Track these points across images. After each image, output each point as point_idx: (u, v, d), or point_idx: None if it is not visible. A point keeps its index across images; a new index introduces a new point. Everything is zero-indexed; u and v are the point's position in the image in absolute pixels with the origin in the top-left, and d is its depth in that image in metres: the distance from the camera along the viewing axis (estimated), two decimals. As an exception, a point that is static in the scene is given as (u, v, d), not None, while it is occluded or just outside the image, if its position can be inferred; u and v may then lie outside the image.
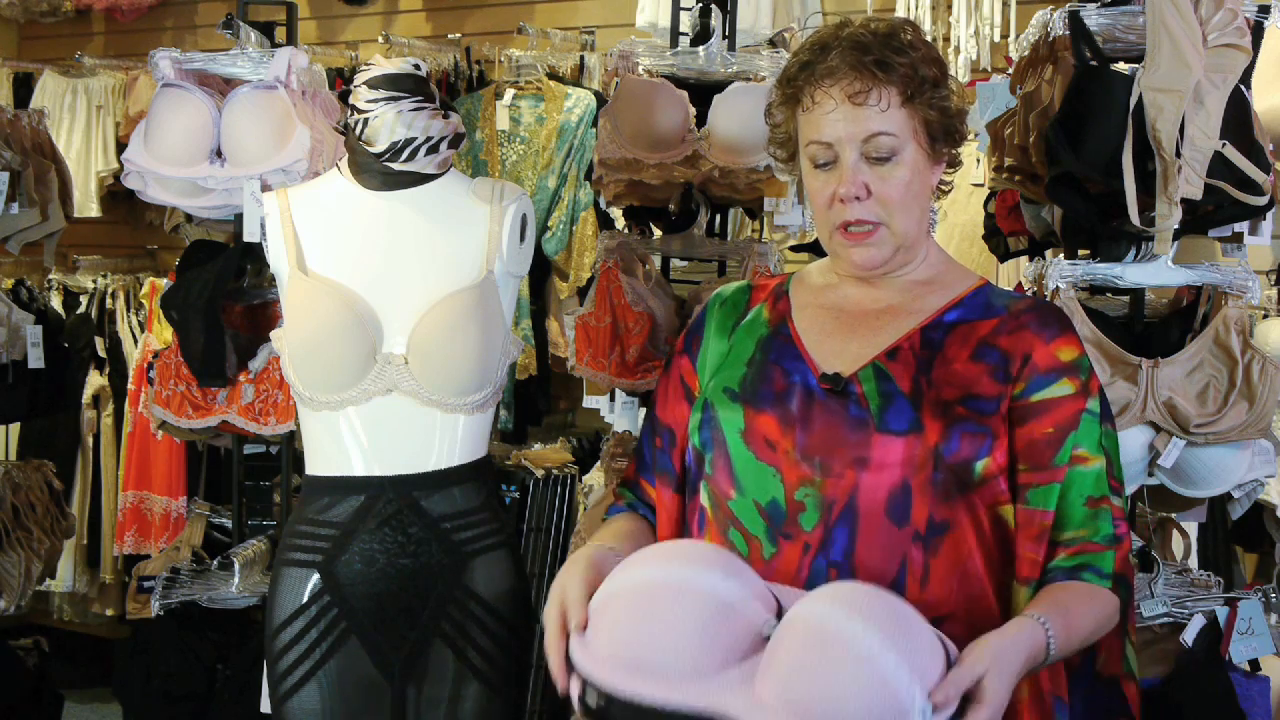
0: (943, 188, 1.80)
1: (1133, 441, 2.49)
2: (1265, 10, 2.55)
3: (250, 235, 2.98)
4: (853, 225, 1.70)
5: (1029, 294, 1.84)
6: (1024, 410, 1.68)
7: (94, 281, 5.27)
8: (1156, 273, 2.57)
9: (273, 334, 2.47)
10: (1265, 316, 3.11)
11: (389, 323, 2.37)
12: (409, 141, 2.36)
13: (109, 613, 5.25)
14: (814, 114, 1.70)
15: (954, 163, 1.79)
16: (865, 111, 1.67)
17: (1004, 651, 1.50)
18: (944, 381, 1.67)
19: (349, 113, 2.40)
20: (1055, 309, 1.77)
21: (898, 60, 1.68)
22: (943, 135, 1.73)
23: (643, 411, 2.97)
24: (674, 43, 3.17)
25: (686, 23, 3.19)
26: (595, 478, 3.72)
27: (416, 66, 2.42)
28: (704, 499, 1.76)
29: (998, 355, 1.69)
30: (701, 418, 1.76)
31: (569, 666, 1.57)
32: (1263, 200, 2.48)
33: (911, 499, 1.62)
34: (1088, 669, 1.72)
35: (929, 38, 4.01)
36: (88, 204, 5.35)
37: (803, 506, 1.65)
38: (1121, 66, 2.53)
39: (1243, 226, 2.71)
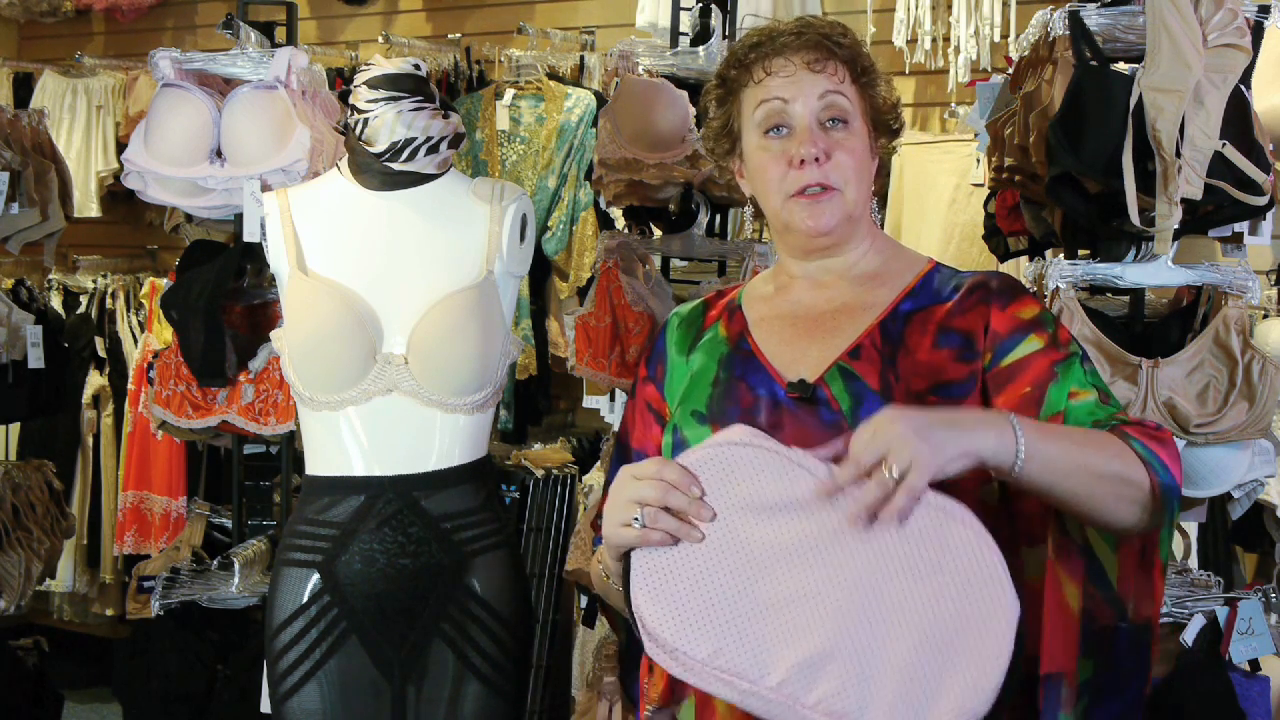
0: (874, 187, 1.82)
1: (1133, 441, 2.49)
2: (1265, 10, 2.55)
3: (250, 235, 2.98)
4: (809, 188, 1.68)
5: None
6: (998, 377, 1.64)
7: (94, 281, 5.27)
8: (1156, 273, 2.56)
9: (273, 334, 2.47)
10: (1265, 316, 3.11)
11: (389, 323, 2.37)
12: (409, 141, 2.36)
13: (109, 613, 5.25)
14: (767, 81, 1.70)
15: (881, 169, 1.81)
16: (822, 77, 1.69)
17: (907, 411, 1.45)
18: (911, 373, 1.65)
19: (349, 113, 2.40)
20: (1007, 278, 1.74)
21: (846, 43, 1.72)
22: (880, 124, 1.75)
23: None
24: (674, 43, 3.17)
25: (686, 23, 3.19)
26: (595, 478, 3.72)
27: (416, 66, 2.42)
28: None
29: (958, 338, 1.67)
30: (672, 442, 1.74)
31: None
32: (1263, 200, 2.48)
33: None
34: (1122, 619, 1.61)
35: (929, 37, 4.08)
36: (88, 204, 5.35)
37: None
38: (1121, 66, 2.53)
39: (1243, 226, 2.71)
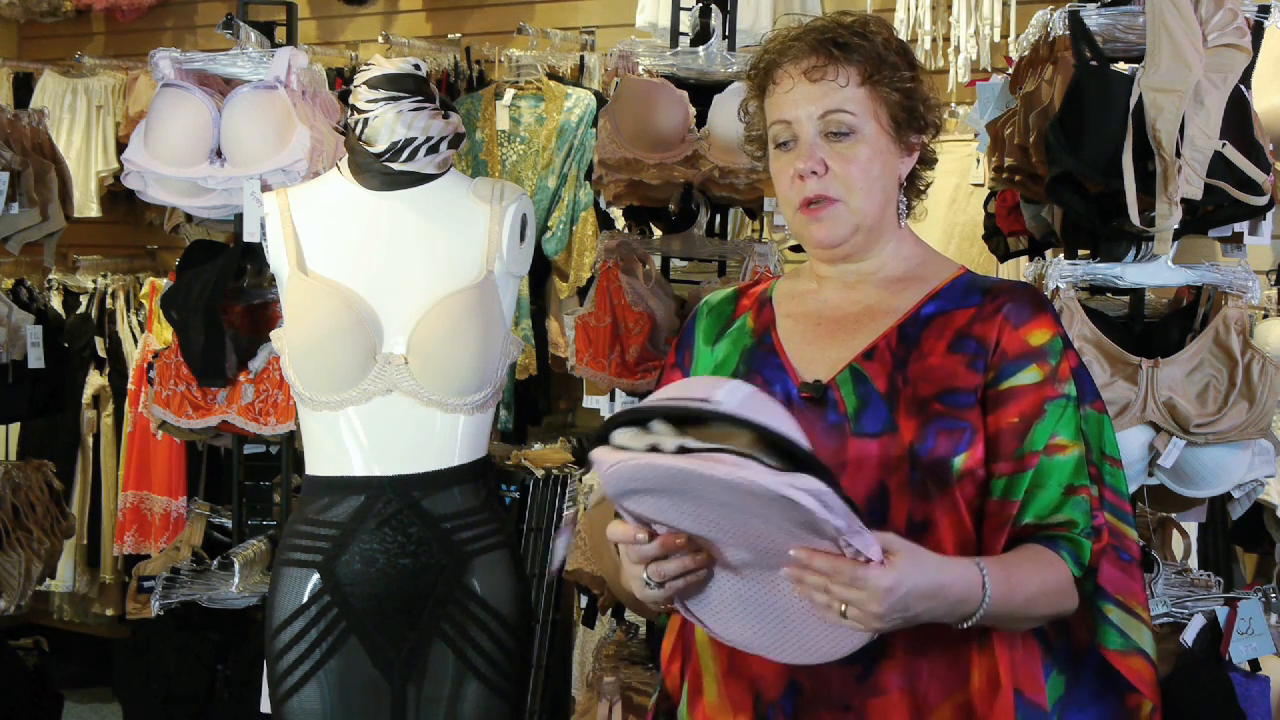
0: (919, 184, 1.79)
1: (1133, 441, 2.49)
2: (1265, 10, 2.55)
3: (250, 235, 2.98)
4: (812, 202, 1.69)
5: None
6: (994, 398, 1.65)
7: (94, 281, 5.27)
8: (1156, 273, 2.57)
9: (273, 334, 2.47)
10: (1265, 316, 3.11)
11: (389, 323, 2.37)
12: (409, 141, 2.36)
13: (109, 613, 5.25)
14: (775, 95, 1.71)
15: (927, 158, 1.77)
16: (822, 88, 1.67)
17: (920, 553, 1.49)
18: (920, 378, 1.65)
19: (349, 113, 2.40)
20: (1033, 291, 1.74)
21: (858, 42, 1.69)
22: (907, 120, 1.72)
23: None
24: (674, 43, 3.17)
25: (686, 23, 3.19)
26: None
27: (416, 66, 2.42)
28: None
29: (974, 344, 1.67)
30: None
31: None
32: (1263, 200, 2.48)
33: (890, 501, 1.61)
34: (1095, 649, 1.68)
35: (929, 37, 4.08)
36: (88, 204, 5.35)
37: None
38: (1121, 66, 2.53)
39: (1243, 226, 2.71)
